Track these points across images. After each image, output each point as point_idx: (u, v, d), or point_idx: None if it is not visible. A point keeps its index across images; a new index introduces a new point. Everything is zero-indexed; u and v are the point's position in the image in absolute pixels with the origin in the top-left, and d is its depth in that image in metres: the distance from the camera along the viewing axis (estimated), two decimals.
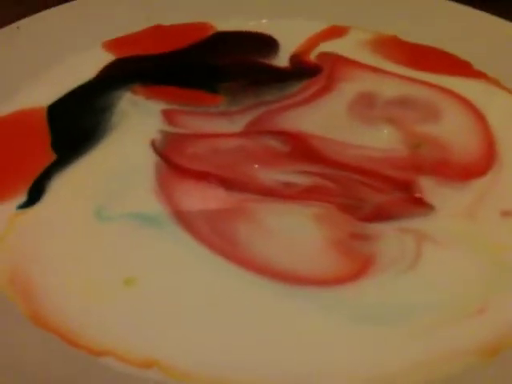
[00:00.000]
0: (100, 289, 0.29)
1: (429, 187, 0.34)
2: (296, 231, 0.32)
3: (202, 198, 0.33)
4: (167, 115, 0.38)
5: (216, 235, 0.31)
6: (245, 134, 0.36)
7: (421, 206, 0.33)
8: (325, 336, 0.28)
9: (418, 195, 0.33)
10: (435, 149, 0.36)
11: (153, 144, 0.36)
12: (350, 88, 0.40)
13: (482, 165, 0.35)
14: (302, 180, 0.34)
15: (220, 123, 0.37)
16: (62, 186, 0.33)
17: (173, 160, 0.35)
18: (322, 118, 0.38)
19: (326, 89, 0.40)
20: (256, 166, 0.34)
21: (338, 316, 0.28)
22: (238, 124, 0.37)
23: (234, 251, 0.30)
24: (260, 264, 0.30)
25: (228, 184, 0.33)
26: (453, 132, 0.37)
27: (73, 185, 0.34)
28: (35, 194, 0.33)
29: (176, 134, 0.36)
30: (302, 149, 0.35)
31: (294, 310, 0.28)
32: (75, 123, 0.37)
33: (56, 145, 0.35)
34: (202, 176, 0.34)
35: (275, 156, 0.35)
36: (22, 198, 0.33)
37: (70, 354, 0.27)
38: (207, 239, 0.31)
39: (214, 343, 0.27)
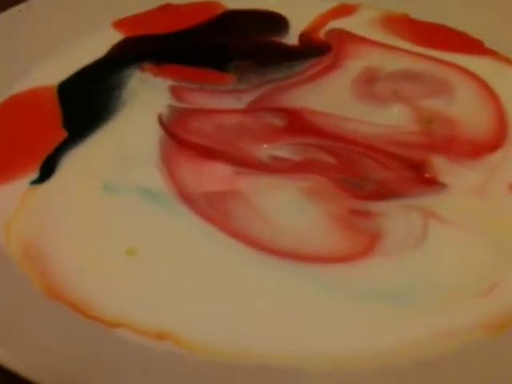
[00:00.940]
0: (103, 260, 0.30)
1: (439, 165, 0.34)
2: (290, 206, 0.32)
3: (200, 172, 0.33)
4: (175, 91, 0.38)
5: (213, 210, 0.31)
6: (247, 110, 0.37)
7: (431, 185, 0.33)
8: (328, 313, 0.28)
9: (428, 175, 0.33)
10: (446, 125, 0.36)
11: (159, 118, 0.36)
12: (355, 64, 0.40)
13: (493, 140, 0.35)
14: (298, 154, 0.34)
15: (226, 101, 0.37)
16: (73, 162, 0.34)
17: (176, 134, 0.35)
18: (326, 95, 0.38)
19: (332, 66, 0.40)
20: (265, 145, 0.34)
21: (341, 294, 0.28)
22: (244, 102, 0.37)
23: (231, 228, 0.31)
24: (259, 240, 0.30)
25: (226, 159, 0.34)
26: (463, 108, 0.37)
27: (83, 161, 0.34)
28: (47, 171, 0.33)
29: (182, 108, 0.37)
30: (299, 123, 0.36)
31: (295, 287, 0.29)
32: (85, 101, 0.38)
33: (67, 123, 0.36)
34: (201, 150, 0.34)
35: (273, 131, 0.35)
36: (35, 174, 0.33)
37: (84, 326, 0.27)
38: (204, 213, 0.31)
39: (214, 315, 0.28)
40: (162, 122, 0.36)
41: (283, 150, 0.34)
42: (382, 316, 0.28)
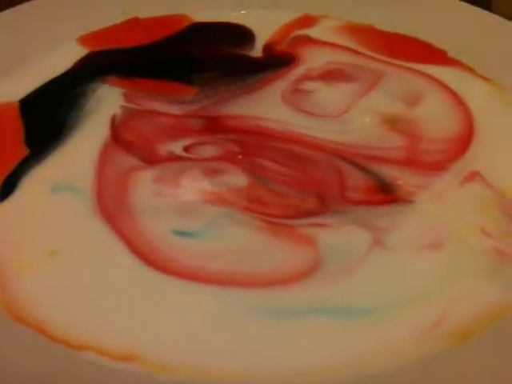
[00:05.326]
0: (31, 264, 0.30)
1: (395, 175, 0.33)
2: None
3: (118, 170, 0.34)
4: (129, 98, 0.38)
5: (119, 214, 0.31)
6: (180, 116, 0.37)
7: (386, 200, 0.32)
8: (276, 334, 0.28)
9: (399, 182, 0.33)
10: (410, 126, 0.36)
11: (112, 119, 0.37)
12: (300, 69, 0.40)
13: (461, 140, 0.35)
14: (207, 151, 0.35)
15: (172, 108, 0.38)
16: (34, 179, 0.34)
17: (116, 131, 0.36)
18: (260, 103, 0.38)
19: (280, 75, 0.40)
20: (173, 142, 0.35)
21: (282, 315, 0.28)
22: (186, 110, 0.38)
23: (135, 246, 0.30)
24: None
25: (134, 153, 0.35)
26: (427, 110, 0.38)
27: (44, 177, 0.34)
28: (7, 189, 0.33)
29: (132, 109, 0.37)
30: (214, 124, 0.36)
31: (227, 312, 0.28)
32: (47, 117, 0.37)
33: (28, 139, 0.36)
34: (126, 145, 0.35)
35: (188, 132, 0.36)
36: None
37: (47, 347, 0.27)
38: (112, 220, 0.31)
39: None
40: (112, 122, 0.37)
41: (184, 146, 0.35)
42: (333, 329, 0.28)
